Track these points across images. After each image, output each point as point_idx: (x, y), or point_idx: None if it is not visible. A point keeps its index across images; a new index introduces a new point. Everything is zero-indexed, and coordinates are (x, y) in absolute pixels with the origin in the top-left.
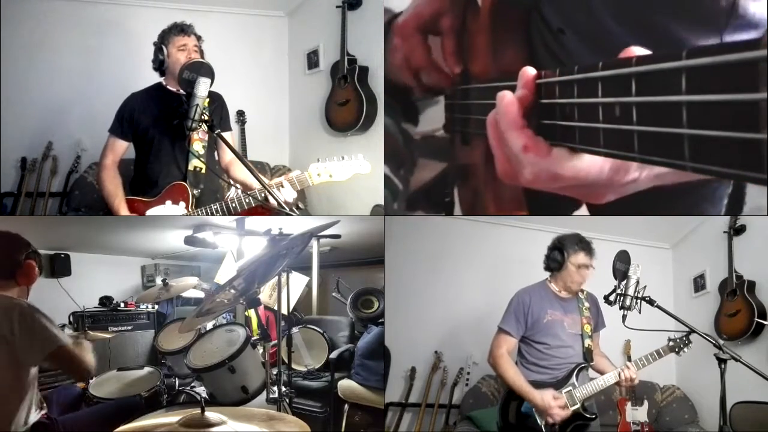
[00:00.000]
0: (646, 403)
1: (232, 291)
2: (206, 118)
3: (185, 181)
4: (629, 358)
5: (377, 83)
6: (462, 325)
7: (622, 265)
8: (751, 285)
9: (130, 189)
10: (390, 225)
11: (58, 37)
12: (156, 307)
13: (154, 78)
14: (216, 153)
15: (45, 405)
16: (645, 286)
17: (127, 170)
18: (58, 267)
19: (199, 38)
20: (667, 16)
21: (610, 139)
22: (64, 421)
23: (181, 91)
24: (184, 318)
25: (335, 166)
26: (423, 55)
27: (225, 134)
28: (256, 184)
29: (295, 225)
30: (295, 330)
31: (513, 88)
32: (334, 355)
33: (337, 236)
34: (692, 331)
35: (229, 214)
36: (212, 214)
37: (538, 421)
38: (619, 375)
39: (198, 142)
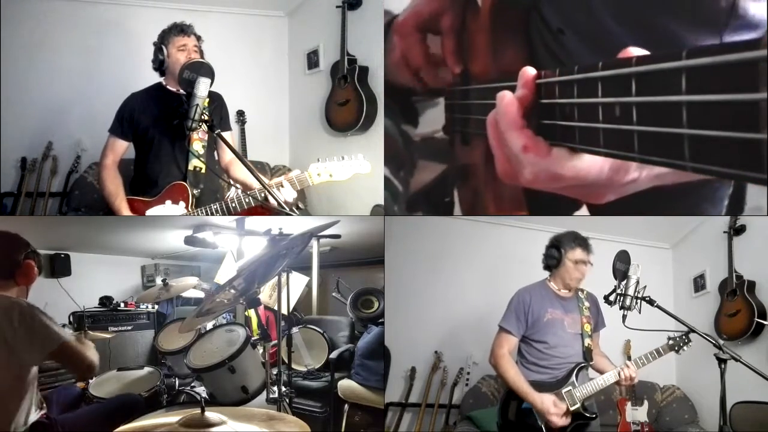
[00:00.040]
0: (646, 403)
1: (232, 291)
2: (206, 118)
3: (185, 181)
4: (629, 358)
5: (377, 83)
6: (462, 325)
7: (622, 265)
8: (751, 285)
9: (129, 189)
10: (390, 225)
11: (58, 37)
12: (156, 307)
13: (154, 78)
14: (216, 153)
15: (45, 405)
16: (645, 286)
17: (127, 170)
18: (58, 267)
19: (199, 38)
20: (667, 16)
21: (610, 139)
22: (63, 420)
23: (181, 91)
24: (184, 318)
25: (335, 165)
26: (422, 54)
27: (225, 134)
28: (256, 184)
29: (295, 225)
30: (295, 330)
31: (513, 88)
32: (334, 355)
33: (337, 236)
34: (692, 331)
35: (229, 213)
36: (212, 213)
37: (538, 420)
38: (619, 374)
39: (198, 141)
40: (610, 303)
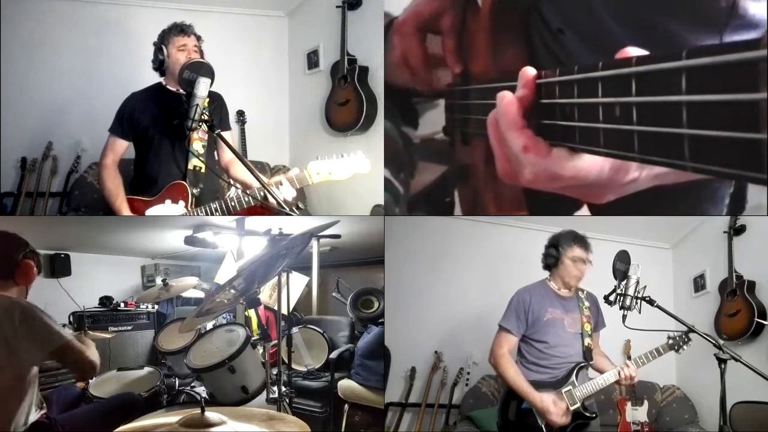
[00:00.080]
0: (646, 403)
1: (232, 291)
2: (206, 118)
3: (185, 181)
4: (629, 358)
5: (377, 83)
6: (462, 324)
7: (622, 265)
8: (751, 285)
9: (129, 189)
10: (390, 225)
11: (58, 37)
12: (156, 307)
13: (154, 78)
14: (216, 153)
15: (45, 405)
16: (645, 286)
17: (127, 170)
18: (58, 267)
19: (199, 38)
20: (667, 16)
21: (610, 139)
22: (63, 420)
23: (181, 91)
24: (184, 318)
25: (335, 164)
26: (422, 54)
27: (225, 134)
28: (255, 184)
29: (295, 225)
30: (295, 330)
31: (513, 88)
32: (334, 355)
33: (337, 236)
34: (692, 331)
35: (229, 213)
36: (212, 213)
37: (538, 420)
38: (619, 373)
39: (198, 141)
40: (610, 303)
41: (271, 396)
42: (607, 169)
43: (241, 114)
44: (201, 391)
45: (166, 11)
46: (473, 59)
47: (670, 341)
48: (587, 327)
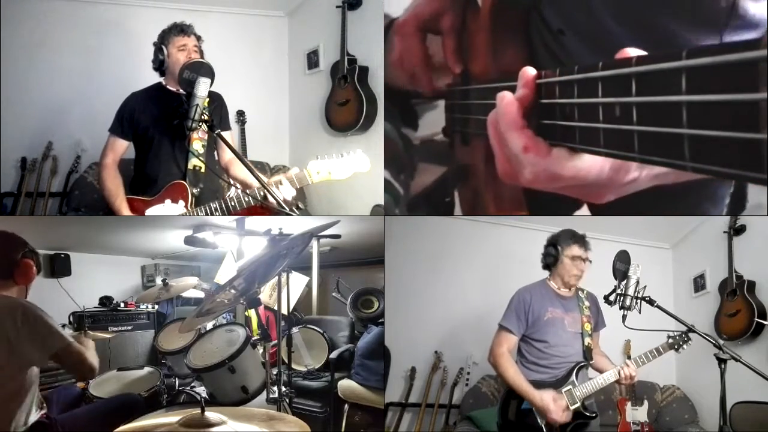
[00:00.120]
0: (646, 403)
1: (233, 291)
2: (206, 117)
3: (185, 180)
4: (629, 358)
5: (377, 83)
6: (462, 324)
7: (622, 265)
8: (751, 285)
9: (129, 188)
10: (390, 225)
11: (58, 37)
12: (156, 307)
13: (154, 78)
14: (216, 152)
15: (45, 405)
16: (645, 286)
17: (127, 170)
18: (58, 267)
19: (199, 38)
20: (667, 16)
21: (610, 139)
22: (63, 420)
23: (181, 91)
24: (184, 318)
25: (334, 163)
26: (423, 54)
27: (224, 134)
28: (255, 183)
29: (295, 225)
30: (295, 330)
31: (513, 88)
32: (334, 355)
33: (337, 236)
34: (692, 330)
35: (229, 212)
36: (211, 212)
37: (538, 420)
38: (619, 373)
39: (197, 141)
40: (610, 303)
41: (271, 396)
42: (607, 169)
43: (241, 114)
44: (201, 391)
45: (166, 11)
46: (473, 59)
47: (670, 341)
48: (587, 327)
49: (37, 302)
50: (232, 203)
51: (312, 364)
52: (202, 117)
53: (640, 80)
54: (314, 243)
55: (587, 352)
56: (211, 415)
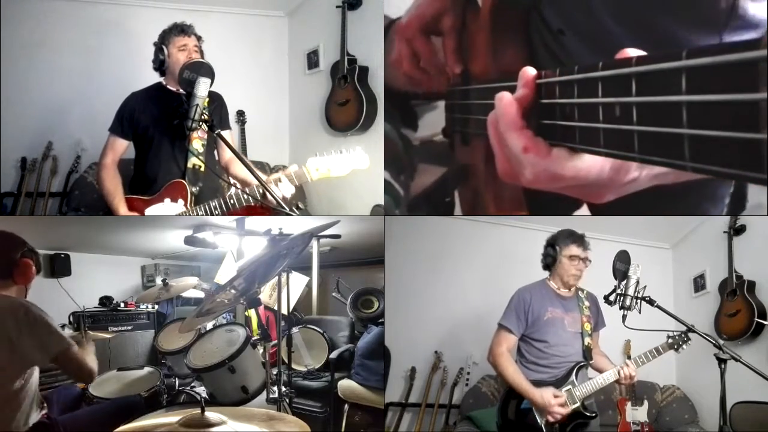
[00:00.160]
0: (646, 403)
1: (233, 291)
2: (206, 117)
3: (184, 179)
4: (629, 358)
5: (377, 83)
6: (462, 324)
7: (622, 265)
8: (751, 285)
9: (129, 188)
10: (390, 225)
11: (58, 37)
12: (156, 307)
13: (154, 78)
14: (216, 152)
15: (45, 405)
16: (645, 286)
17: (126, 170)
18: (58, 267)
19: (199, 38)
20: (667, 16)
21: (610, 139)
22: (63, 420)
23: (181, 90)
24: (184, 318)
25: (333, 160)
26: (429, 55)
27: (224, 133)
28: (255, 182)
29: (295, 225)
30: (295, 330)
31: (513, 88)
32: (334, 355)
33: (337, 236)
34: (692, 330)
35: (228, 211)
36: (211, 211)
37: (538, 420)
38: (619, 373)
39: (197, 140)
40: (610, 303)
41: (271, 396)
42: (607, 169)
43: (241, 114)
44: (201, 391)
45: (166, 11)
46: (473, 59)
47: (670, 340)
48: (587, 326)
49: (37, 302)
50: (231, 202)
51: (312, 364)
52: (202, 117)
53: (640, 80)
54: (314, 243)
55: (587, 352)
56: (211, 415)
